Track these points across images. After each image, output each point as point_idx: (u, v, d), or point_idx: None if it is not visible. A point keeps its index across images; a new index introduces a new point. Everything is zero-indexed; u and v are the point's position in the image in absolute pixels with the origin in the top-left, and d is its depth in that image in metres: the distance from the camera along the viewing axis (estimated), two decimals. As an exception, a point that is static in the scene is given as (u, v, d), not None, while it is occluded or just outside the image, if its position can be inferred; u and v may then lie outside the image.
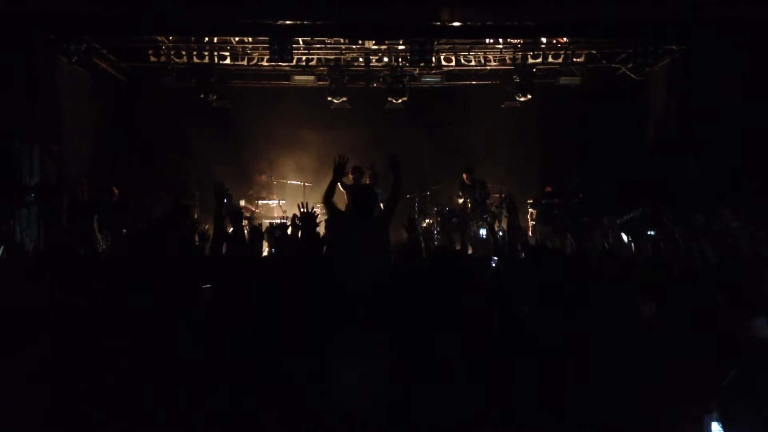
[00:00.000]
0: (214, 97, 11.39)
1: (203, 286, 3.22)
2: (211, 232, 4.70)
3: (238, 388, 2.28)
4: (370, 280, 3.56)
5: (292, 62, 10.60)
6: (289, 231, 5.63)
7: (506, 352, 2.43)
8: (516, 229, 4.94)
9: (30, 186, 8.57)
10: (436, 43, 10.21)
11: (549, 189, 10.85)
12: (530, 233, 10.31)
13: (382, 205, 6.35)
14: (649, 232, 7.27)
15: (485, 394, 2.29)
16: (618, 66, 11.30)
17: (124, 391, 2.27)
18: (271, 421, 2.26)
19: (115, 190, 9.91)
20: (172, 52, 10.63)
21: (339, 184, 9.73)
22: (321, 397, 2.25)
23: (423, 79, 11.76)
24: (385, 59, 11.18)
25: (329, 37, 10.38)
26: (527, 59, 10.93)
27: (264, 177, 11.36)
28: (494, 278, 3.62)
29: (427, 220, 10.71)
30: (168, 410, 2.24)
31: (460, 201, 10.67)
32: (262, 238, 4.89)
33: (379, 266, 4.22)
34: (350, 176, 9.80)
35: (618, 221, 8.91)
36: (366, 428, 2.20)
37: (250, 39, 10.49)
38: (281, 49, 9.71)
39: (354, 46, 10.86)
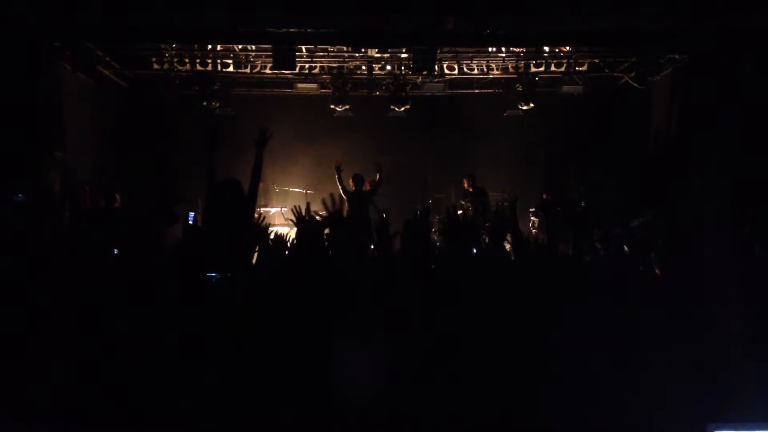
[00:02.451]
0: (217, 104, 11.41)
1: (209, 274, 3.14)
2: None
3: (238, 382, 2.26)
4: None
5: (295, 70, 10.63)
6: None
7: (508, 349, 2.42)
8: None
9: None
10: (438, 51, 10.23)
11: (545, 196, 10.83)
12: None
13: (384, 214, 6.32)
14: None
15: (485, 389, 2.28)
16: (621, 75, 11.31)
17: (123, 388, 2.25)
18: (272, 415, 2.24)
19: (117, 197, 9.89)
20: (175, 60, 10.65)
21: (341, 190, 9.80)
22: (322, 388, 2.23)
23: (426, 87, 11.79)
24: (388, 67, 11.19)
25: (332, 45, 10.39)
26: (530, 68, 10.96)
27: (263, 184, 11.33)
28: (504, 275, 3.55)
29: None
30: (167, 406, 2.22)
31: (462, 209, 10.63)
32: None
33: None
34: (351, 183, 9.82)
35: (619, 230, 8.87)
36: (366, 418, 2.18)
37: (254, 47, 10.52)
38: (284, 57, 9.73)
39: (357, 54, 10.87)
